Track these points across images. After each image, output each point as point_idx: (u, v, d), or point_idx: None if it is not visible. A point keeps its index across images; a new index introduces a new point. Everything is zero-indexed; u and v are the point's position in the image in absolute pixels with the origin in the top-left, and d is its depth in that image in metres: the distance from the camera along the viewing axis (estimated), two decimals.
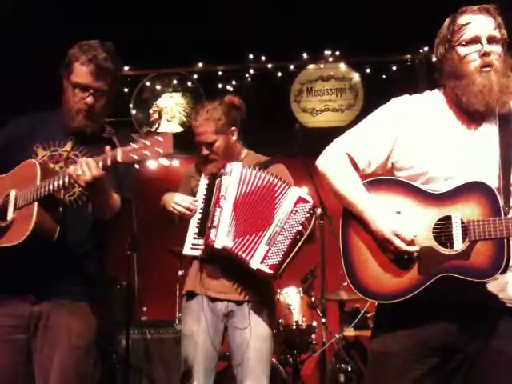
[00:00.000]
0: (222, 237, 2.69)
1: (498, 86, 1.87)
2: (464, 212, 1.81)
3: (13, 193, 2.27)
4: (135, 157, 2.00)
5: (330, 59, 5.92)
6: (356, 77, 5.88)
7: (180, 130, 6.17)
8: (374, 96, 5.63)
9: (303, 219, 2.67)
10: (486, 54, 1.88)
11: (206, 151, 2.86)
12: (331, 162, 2.05)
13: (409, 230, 1.86)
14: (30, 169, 2.28)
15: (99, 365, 4.19)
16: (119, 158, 2.03)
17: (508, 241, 1.74)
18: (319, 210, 2.77)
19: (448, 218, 1.83)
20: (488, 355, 1.85)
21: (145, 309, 4.96)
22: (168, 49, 5.57)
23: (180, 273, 4.76)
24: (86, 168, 2.08)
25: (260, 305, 2.80)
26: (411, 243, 1.86)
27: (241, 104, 2.95)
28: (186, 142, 6.05)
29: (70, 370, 2.27)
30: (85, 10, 5.05)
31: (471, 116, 1.94)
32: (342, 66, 5.93)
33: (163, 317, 4.90)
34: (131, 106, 6.08)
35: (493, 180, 1.85)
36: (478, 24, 1.92)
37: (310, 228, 2.67)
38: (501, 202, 1.77)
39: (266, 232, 2.69)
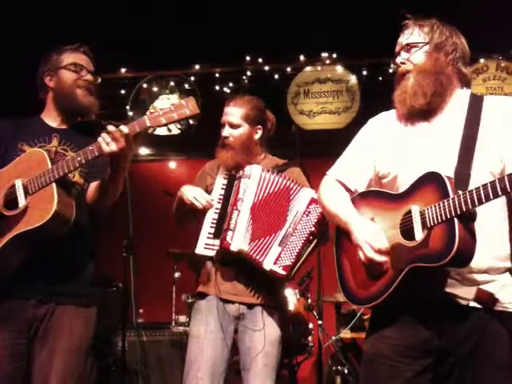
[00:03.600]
0: (238, 240, 2.69)
1: (412, 88, 2.00)
2: (422, 203, 1.85)
3: (18, 182, 2.25)
4: (163, 120, 2.04)
5: (327, 61, 5.92)
6: (353, 79, 5.89)
7: (177, 131, 6.17)
8: (370, 98, 5.63)
9: (316, 220, 2.69)
10: (398, 65, 2.07)
11: (227, 132, 2.84)
12: (325, 190, 2.20)
13: (381, 240, 1.91)
14: (37, 156, 2.28)
15: (95, 366, 4.21)
16: (148, 123, 2.06)
17: (458, 219, 1.75)
18: None
19: (409, 212, 1.88)
20: (479, 358, 1.86)
21: (141, 311, 4.96)
22: (165, 51, 5.56)
23: (176, 275, 4.76)
24: (111, 137, 2.11)
25: (271, 309, 2.79)
26: (380, 252, 1.90)
27: (273, 119, 3.02)
28: (182, 144, 6.10)
29: (70, 370, 2.29)
30: (82, 11, 5.06)
31: (427, 116, 2.03)
32: (339, 69, 5.94)
33: (159, 319, 4.90)
34: (128, 107, 6.07)
35: (451, 169, 1.89)
36: (398, 41, 2.10)
37: (323, 229, 2.68)
38: (448, 184, 1.80)
39: (279, 233, 2.70)
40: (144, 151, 6.31)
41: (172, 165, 6.34)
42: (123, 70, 6.04)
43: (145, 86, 6.17)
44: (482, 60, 5.65)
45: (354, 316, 4.34)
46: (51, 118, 2.50)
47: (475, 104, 2.00)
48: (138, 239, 4.25)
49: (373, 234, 1.93)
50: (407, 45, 2.05)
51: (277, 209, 2.75)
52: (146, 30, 5.37)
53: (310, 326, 4.31)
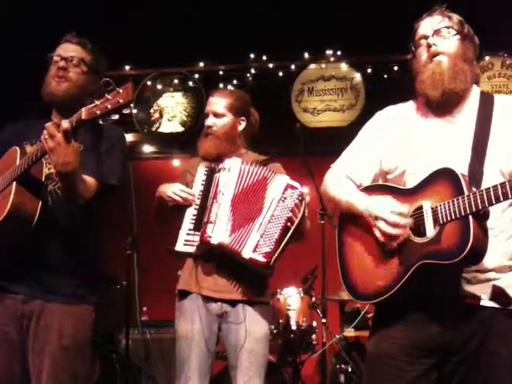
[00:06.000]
0: (219, 232, 2.68)
1: (451, 68, 1.96)
2: (434, 199, 1.84)
3: None
4: (98, 112, 1.99)
5: (332, 59, 5.91)
6: (357, 77, 5.87)
7: (181, 129, 6.16)
8: (375, 96, 5.63)
9: (293, 206, 2.67)
10: (430, 46, 2.00)
11: (211, 121, 2.86)
12: (330, 181, 2.18)
13: (400, 206, 1.88)
14: (12, 155, 2.27)
15: (98, 365, 4.21)
16: (83, 116, 2.01)
17: (473, 217, 1.74)
18: (308, 198, 2.76)
19: (420, 208, 1.87)
20: (484, 356, 1.85)
21: (145, 308, 4.96)
22: (169, 48, 5.56)
23: (179, 272, 4.74)
24: (48, 133, 2.05)
25: (255, 305, 2.77)
26: (396, 226, 1.87)
27: (257, 116, 3.03)
28: (186, 141, 6.10)
29: (61, 370, 2.24)
30: (86, 9, 5.05)
31: (443, 108, 2.01)
32: (344, 66, 5.92)
33: (163, 317, 4.89)
34: (132, 105, 6.07)
35: (464, 166, 1.88)
36: (424, 24, 2.06)
37: (300, 215, 2.67)
38: (463, 181, 1.79)
39: (257, 221, 2.68)
40: (148, 149, 6.30)
41: (176, 162, 6.33)
42: (127, 68, 6.04)
43: (149, 83, 6.16)
44: (487, 57, 5.63)
45: (358, 314, 4.34)
46: (54, 117, 2.47)
47: (486, 102, 2.00)
48: (141, 237, 4.26)
49: (390, 202, 1.91)
50: (445, 28, 2.00)
51: (255, 199, 2.74)
52: (150, 28, 5.37)
53: (314, 324, 4.30)
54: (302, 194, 2.70)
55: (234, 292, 2.74)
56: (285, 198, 2.69)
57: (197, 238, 2.73)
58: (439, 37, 2.00)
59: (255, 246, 2.64)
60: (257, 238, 2.65)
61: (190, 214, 2.79)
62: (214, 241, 2.67)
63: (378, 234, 1.91)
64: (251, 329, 2.72)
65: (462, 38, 2.00)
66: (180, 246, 2.78)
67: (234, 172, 2.76)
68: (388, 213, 1.88)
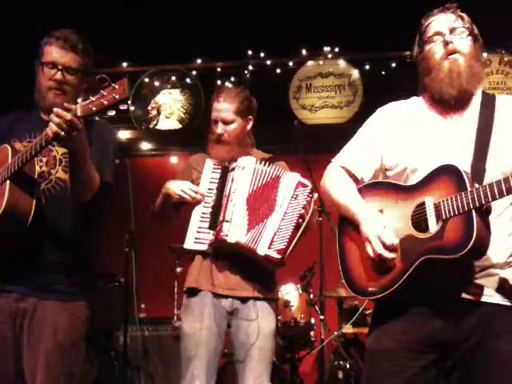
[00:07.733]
0: (236, 231, 2.69)
1: (468, 69, 1.96)
2: (437, 195, 1.85)
3: None
4: (94, 108, 1.99)
5: (329, 56, 5.90)
6: (355, 73, 5.87)
7: (178, 126, 6.16)
8: (373, 93, 5.62)
9: (304, 203, 2.72)
10: (447, 43, 1.98)
11: (221, 128, 2.85)
12: (329, 177, 2.17)
13: (391, 236, 1.89)
14: (3, 152, 2.26)
15: (96, 362, 4.21)
16: (79, 113, 2.01)
17: (476, 212, 1.75)
18: (316, 195, 2.79)
19: (423, 204, 1.87)
20: (484, 352, 1.85)
21: (143, 306, 4.96)
22: (167, 45, 5.56)
23: (178, 270, 4.75)
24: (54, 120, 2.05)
25: (265, 302, 2.79)
26: (389, 248, 1.89)
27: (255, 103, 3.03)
28: (184, 138, 6.10)
29: (56, 368, 2.23)
30: (84, 6, 5.04)
31: (450, 107, 2.01)
32: (341, 63, 5.91)
33: (161, 314, 4.90)
34: (129, 102, 6.06)
35: (466, 165, 1.89)
36: (439, 21, 2.04)
37: (310, 211, 2.71)
38: (466, 178, 1.80)
39: (270, 218, 2.71)
40: (146, 146, 6.30)
41: (174, 159, 6.33)
42: (125, 65, 6.03)
43: (146, 80, 6.15)
44: (484, 54, 5.62)
45: (356, 311, 4.35)
46: (43, 112, 2.43)
47: (488, 102, 2.01)
48: (139, 234, 4.26)
49: (383, 228, 1.91)
50: (455, 28, 2.00)
51: (268, 197, 2.76)
52: (148, 25, 5.36)
53: (312, 321, 4.31)
54: (312, 192, 2.74)
55: (246, 289, 2.75)
56: (296, 196, 2.73)
57: (210, 237, 2.73)
58: (455, 35, 1.99)
59: (270, 242, 2.67)
60: (271, 235, 2.68)
61: (200, 211, 2.79)
62: (231, 239, 2.68)
63: (370, 252, 1.93)
64: (261, 325, 2.73)
65: (474, 38, 2.02)
66: (190, 244, 2.78)
67: (248, 171, 2.78)
68: (375, 241, 1.90)
